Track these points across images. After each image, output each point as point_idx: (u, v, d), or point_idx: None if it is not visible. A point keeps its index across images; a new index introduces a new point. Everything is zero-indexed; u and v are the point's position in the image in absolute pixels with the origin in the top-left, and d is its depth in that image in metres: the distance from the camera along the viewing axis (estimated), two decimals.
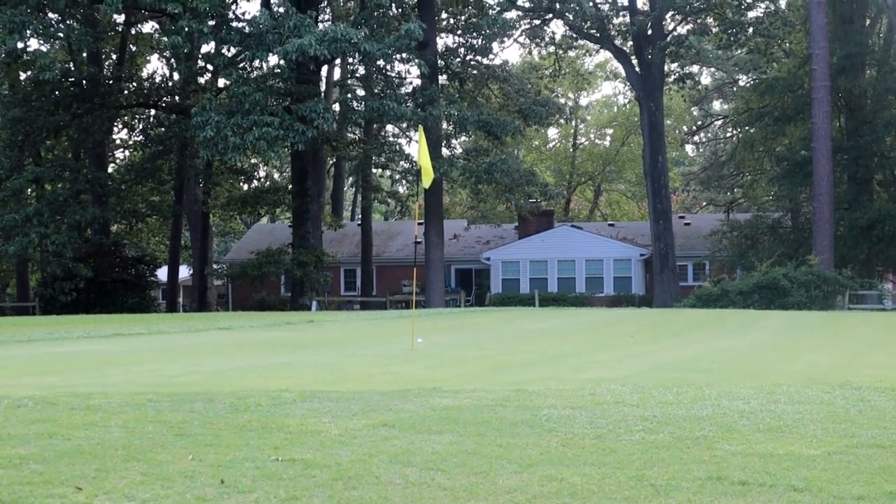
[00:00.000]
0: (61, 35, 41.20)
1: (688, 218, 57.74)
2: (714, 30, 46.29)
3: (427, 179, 16.92)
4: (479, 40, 44.41)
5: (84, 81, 44.89)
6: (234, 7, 40.83)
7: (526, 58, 63.26)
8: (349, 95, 42.03)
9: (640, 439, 7.08)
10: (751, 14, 45.85)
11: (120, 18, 46.86)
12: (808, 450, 6.74)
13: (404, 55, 38.31)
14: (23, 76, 45.34)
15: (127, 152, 57.05)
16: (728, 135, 59.66)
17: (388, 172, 52.50)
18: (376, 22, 38.28)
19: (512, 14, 46.27)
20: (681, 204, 70.53)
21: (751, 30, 45.09)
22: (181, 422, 7.57)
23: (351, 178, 62.95)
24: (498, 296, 47.89)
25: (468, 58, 45.98)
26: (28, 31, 37.01)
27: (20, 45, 37.47)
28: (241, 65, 41.43)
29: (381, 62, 38.23)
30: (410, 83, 44.85)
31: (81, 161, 48.10)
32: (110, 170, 52.55)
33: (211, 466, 6.00)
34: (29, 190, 43.96)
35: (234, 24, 38.29)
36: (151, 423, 7.55)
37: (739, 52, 50.40)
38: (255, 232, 60.53)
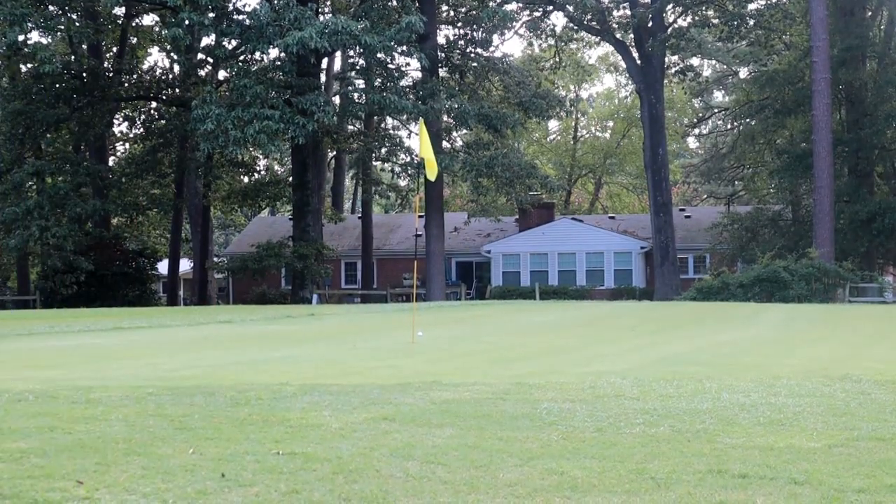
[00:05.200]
0: (62, 28, 41.12)
1: (688, 210, 57.71)
2: (714, 22, 46.22)
3: (431, 172, 16.88)
4: (480, 32, 44.31)
5: (84, 74, 44.80)
6: None
7: (526, 50, 63.21)
8: (350, 88, 41.99)
9: (640, 432, 7.09)
10: (751, 6, 45.77)
11: (120, 11, 46.73)
12: (809, 443, 6.74)
13: (405, 48, 38.27)
14: (23, 69, 45.28)
15: (127, 145, 57.02)
16: (729, 127, 59.57)
17: (388, 165, 52.45)
18: (377, 14, 38.21)
19: (512, 6, 46.17)
20: (681, 196, 70.50)
21: (751, 22, 45.00)
22: (182, 415, 7.58)
23: (351, 171, 62.93)
24: (498, 289, 47.87)
25: (468, 50, 45.91)
26: (28, 24, 36.95)
27: (21, 37, 37.42)
28: (242, 57, 41.37)
29: (381, 55, 38.17)
30: (410, 76, 44.86)
31: (82, 154, 48.05)
32: (111, 163, 52.51)
33: (212, 460, 6.01)
34: (29, 183, 43.90)
35: (235, 16, 38.21)
36: (152, 416, 7.56)
37: (740, 44, 50.30)
38: (256, 225, 60.54)
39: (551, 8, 47.13)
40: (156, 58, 72.11)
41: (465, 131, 49.07)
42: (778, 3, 45.36)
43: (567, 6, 44.76)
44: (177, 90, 48.31)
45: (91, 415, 7.59)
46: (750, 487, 5.50)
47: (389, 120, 51.11)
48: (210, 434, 6.83)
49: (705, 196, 71.57)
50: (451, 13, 47.82)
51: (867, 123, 42.88)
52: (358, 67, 43.91)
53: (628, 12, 45.62)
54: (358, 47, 37.07)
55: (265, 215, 67.55)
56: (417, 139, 19.85)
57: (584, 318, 23.02)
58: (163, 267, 55.29)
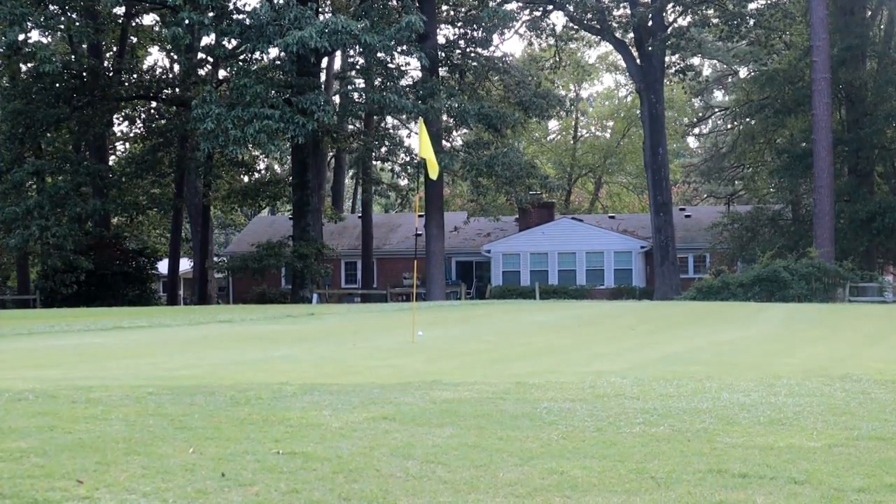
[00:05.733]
0: (62, 27, 41.12)
1: (688, 210, 57.72)
2: (714, 21, 46.21)
3: (433, 171, 16.85)
4: (480, 32, 44.30)
5: (84, 74, 44.80)
6: None
7: (526, 50, 63.21)
8: (349, 88, 41.98)
9: (640, 432, 7.08)
10: (751, 6, 45.76)
11: (120, 10, 46.72)
12: (809, 442, 6.74)
13: (405, 47, 38.27)
14: (23, 68, 45.27)
15: (127, 145, 57.01)
16: (729, 127, 59.56)
17: (388, 165, 52.45)
18: (376, 14, 38.21)
19: (512, 5, 46.16)
20: (681, 196, 70.49)
21: (751, 21, 45.00)
22: (182, 415, 7.58)
23: (351, 171, 62.92)
24: (498, 288, 47.86)
25: (468, 50, 45.90)
26: (28, 23, 36.93)
27: (21, 37, 37.40)
28: (242, 57, 41.36)
29: (381, 54, 38.18)
30: (410, 76, 44.85)
31: (82, 154, 48.04)
32: (111, 162, 52.50)
33: (212, 459, 6.01)
34: (29, 182, 43.90)
35: (235, 15, 38.21)
36: (152, 416, 7.56)
37: (740, 43, 50.29)
38: (256, 224, 60.55)
39: (551, 7, 47.12)
40: (156, 57, 72.16)
41: (464, 131, 49.07)
42: (778, 2, 45.34)
43: (567, 6, 44.75)
44: (177, 90, 48.30)
45: (91, 414, 7.58)
46: (750, 487, 5.49)
47: (389, 119, 51.13)
48: (210, 433, 6.83)
49: (705, 195, 71.55)
50: (451, 13, 47.80)
51: (867, 123, 42.88)
52: (358, 67, 43.91)
53: (628, 11, 45.60)
54: (358, 47, 37.08)
55: (265, 215, 67.55)
56: (417, 139, 19.84)
57: (584, 318, 23.01)
58: (163, 266, 55.31)
